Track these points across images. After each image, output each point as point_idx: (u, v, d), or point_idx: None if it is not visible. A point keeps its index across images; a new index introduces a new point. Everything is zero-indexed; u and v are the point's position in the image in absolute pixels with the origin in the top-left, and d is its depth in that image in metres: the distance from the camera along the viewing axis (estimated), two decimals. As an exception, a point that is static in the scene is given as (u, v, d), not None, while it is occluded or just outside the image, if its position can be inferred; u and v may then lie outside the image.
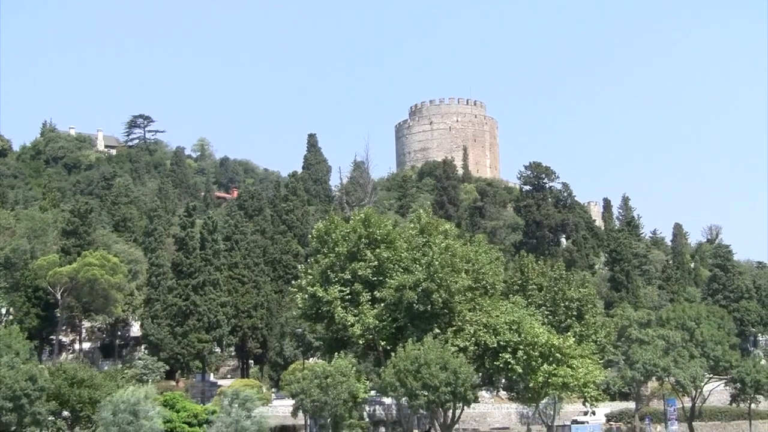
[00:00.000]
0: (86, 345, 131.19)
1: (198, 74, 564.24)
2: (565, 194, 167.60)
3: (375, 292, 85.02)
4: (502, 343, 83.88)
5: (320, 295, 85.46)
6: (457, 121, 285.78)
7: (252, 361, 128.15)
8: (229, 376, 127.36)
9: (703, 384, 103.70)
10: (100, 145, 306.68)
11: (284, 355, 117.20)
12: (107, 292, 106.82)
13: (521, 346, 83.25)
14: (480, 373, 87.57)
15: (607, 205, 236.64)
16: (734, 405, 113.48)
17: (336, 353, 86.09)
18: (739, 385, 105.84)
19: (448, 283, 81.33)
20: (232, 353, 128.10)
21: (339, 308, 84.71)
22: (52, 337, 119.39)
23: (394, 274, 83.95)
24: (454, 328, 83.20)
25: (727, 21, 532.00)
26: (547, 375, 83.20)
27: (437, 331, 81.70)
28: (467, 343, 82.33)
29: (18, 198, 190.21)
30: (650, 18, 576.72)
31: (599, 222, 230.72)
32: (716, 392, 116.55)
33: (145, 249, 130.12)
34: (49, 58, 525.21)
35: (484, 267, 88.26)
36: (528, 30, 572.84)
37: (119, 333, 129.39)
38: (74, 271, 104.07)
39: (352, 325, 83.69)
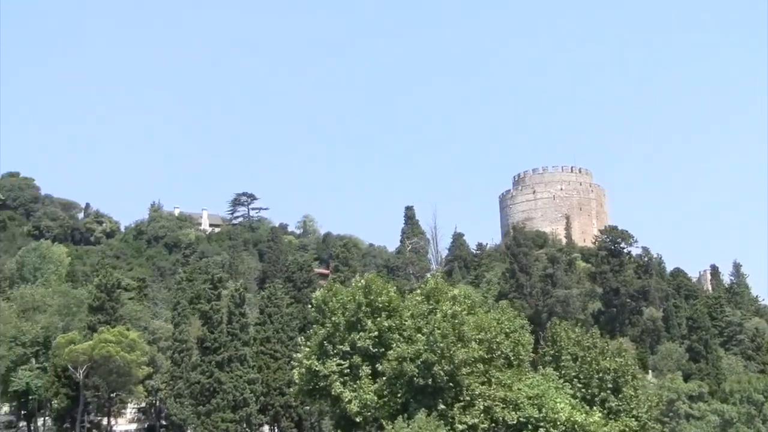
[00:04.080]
0: (132, 426, 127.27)
1: (302, 151, 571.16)
2: (646, 259, 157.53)
3: (377, 365, 78.14)
4: (522, 419, 75.69)
5: (317, 368, 79.12)
6: (561, 189, 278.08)
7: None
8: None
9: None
10: (205, 224, 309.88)
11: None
12: (126, 369, 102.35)
13: (542, 424, 74.84)
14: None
15: (714, 272, 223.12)
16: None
17: (338, 433, 79.29)
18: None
19: (451, 353, 73.55)
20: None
21: (337, 383, 78.09)
22: (90, 418, 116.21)
23: (396, 344, 76.93)
24: (462, 404, 74.87)
25: None
26: (568, 456, 74.52)
27: (442, 407, 73.87)
28: (477, 420, 74.11)
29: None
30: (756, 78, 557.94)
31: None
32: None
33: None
34: (158, 141, 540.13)
35: (498, 336, 79.66)
36: (634, 96, 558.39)
37: (164, 413, 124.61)
38: (90, 348, 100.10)
39: (350, 402, 76.82)
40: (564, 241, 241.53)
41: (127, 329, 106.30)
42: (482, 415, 74.44)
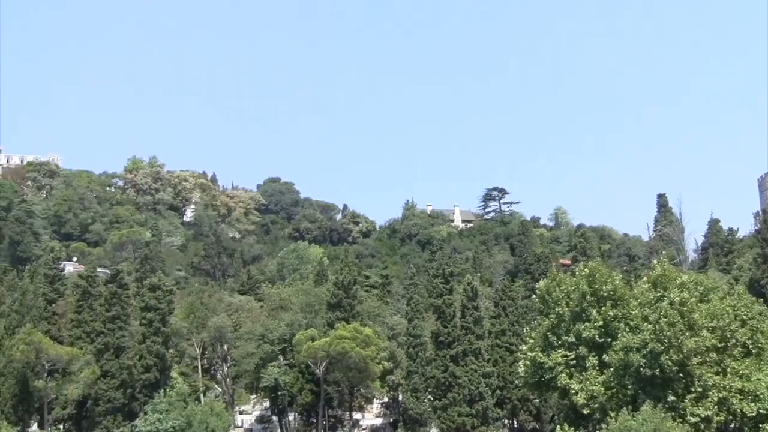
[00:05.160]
0: (378, 421, 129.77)
1: (552, 143, 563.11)
2: None
3: (603, 356, 75.85)
4: (762, 411, 71.28)
5: (541, 360, 77.73)
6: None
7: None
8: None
9: None
10: (457, 220, 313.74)
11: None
12: (362, 365, 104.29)
13: (785, 416, 70.33)
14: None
15: None
16: None
17: (560, 427, 77.40)
18: None
19: (680, 342, 70.24)
20: (504, 427, 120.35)
21: (563, 375, 76.42)
22: (334, 413, 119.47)
23: (621, 334, 74.37)
24: (693, 395, 71.29)
25: None
26: (814, 451, 69.49)
27: (672, 398, 70.68)
28: (710, 412, 70.35)
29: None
30: None
31: None
32: None
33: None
34: (410, 140, 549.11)
35: (733, 324, 75.13)
36: None
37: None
38: (327, 344, 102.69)
39: (576, 394, 74.99)
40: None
41: (363, 325, 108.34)
42: (716, 407, 70.55)
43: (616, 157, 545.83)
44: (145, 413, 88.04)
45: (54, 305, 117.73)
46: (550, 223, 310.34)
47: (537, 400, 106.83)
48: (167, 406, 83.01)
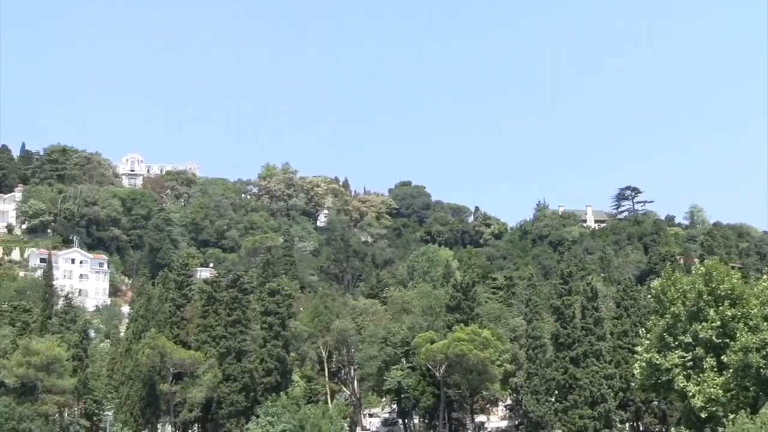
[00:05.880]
0: (503, 423, 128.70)
1: (683, 138, 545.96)
2: None
3: (722, 357, 73.66)
4: None
5: (657, 362, 76.05)
6: None
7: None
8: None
9: None
10: (590, 220, 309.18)
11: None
12: (481, 367, 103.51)
13: None
14: None
15: None
16: None
17: (674, 429, 75.57)
18: None
19: (802, 343, 67.82)
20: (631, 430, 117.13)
21: (680, 377, 74.56)
22: (456, 415, 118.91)
23: (741, 334, 72.05)
24: (819, 398, 68.71)
25: None
26: None
27: (796, 401, 68.10)
28: (836, 416, 67.44)
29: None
30: None
31: None
32: None
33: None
34: (543, 142, 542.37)
35: None
36: None
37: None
38: (445, 347, 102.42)
39: (693, 396, 73.10)
40: None
41: (482, 327, 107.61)
42: (844, 410, 67.77)
43: (756, 151, 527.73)
44: (257, 416, 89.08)
45: (182, 310, 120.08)
46: (686, 222, 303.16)
47: (658, 402, 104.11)
48: (280, 409, 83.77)
